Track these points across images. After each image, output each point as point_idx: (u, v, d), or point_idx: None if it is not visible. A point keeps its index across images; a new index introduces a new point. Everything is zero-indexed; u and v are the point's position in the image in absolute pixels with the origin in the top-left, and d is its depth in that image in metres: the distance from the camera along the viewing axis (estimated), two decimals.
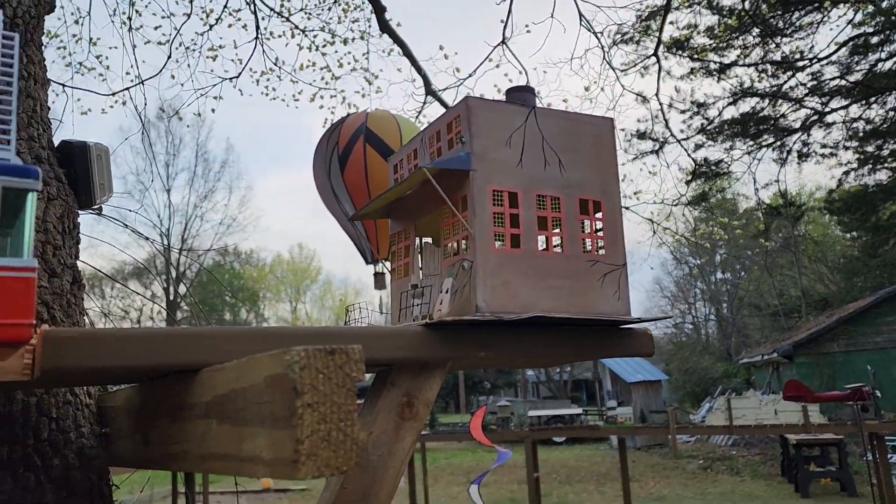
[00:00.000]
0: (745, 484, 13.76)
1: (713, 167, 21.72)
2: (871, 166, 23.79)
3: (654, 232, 7.83)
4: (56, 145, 1.57)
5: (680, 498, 12.87)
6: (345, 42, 7.99)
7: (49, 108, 1.63)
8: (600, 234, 1.32)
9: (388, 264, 5.61)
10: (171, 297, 45.89)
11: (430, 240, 1.41)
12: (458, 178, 1.23)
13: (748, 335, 31.18)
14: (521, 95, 1.31)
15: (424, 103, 6.44)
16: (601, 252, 1.31)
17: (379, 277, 5.22)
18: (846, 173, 24.23)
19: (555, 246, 1.27)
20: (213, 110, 14.41)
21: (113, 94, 6.94)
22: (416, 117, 5.89)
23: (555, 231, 1.27)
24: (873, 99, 22.41)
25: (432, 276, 1.31)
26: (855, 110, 23.15)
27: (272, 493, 15.10)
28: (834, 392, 9.05)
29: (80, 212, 1.56)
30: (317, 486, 14.39)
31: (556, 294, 1.24)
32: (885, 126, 22.75)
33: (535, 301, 1.21)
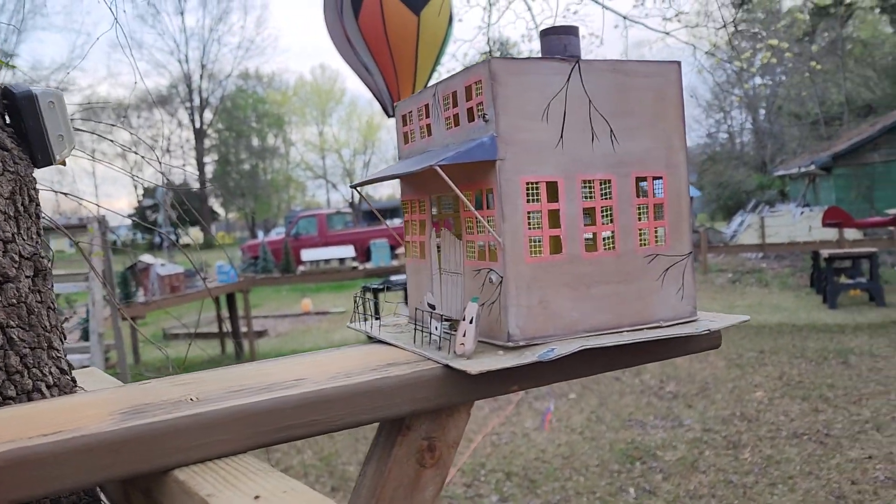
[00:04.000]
0: (773, 296, 13.90)
1: None
2: None
3: (696, 58, 7.23)
4: None
5: (707, 310, 13.03)
6: None
7: None
8: (661, 221, 1.06)
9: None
10: (198, 126, 45.72)
11: (449, 212, 1.16)
12: (483, 165, 0.97)
13: (785, 144, 30.29)
14: (562, 40, 1.00)
15: None
16: (661, 243, 1.06)
17: None
18: None
19: (605, 242, 1.02)
20: None
21: None
22: None
23: (605, 224, 1.01)
24: None
25: (453, 274, 1.08)
26: None
27: (312, 315, 15.67)
28: (875, 218, 8.80)
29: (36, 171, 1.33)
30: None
31: (606, 304, 1.01)
32: None
33: (579, 318, 0.99)
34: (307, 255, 13.41)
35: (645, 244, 1.05)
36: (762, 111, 34.01)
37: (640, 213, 1.04)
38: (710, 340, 1.09)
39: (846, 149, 18.72)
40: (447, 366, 0.91)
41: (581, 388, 7.35)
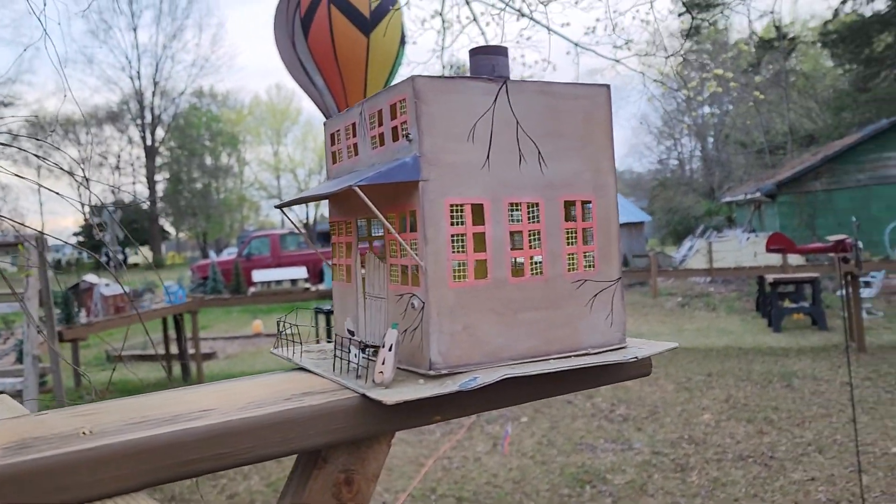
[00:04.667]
0: (720, 320, 14.16)
1: None
2: None
3: (646, 86, 7.37)
4: None
5: (657, 334, 13.29)
6: None
7: None
8: (590, 245, 1.04)
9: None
10: (150, 143, 44.94)
11: (377, 242, 1.12)
12: (406, 186, 0.93)
13: (732, 172, 31.16)
14: (490, 60, 0.98)
15: None
16: (590, 268, 1.04)
17: None
18: (844, 2, 23.20)
19: (532, 267, 0.99)
20: None
21: None
22: None
23: (533, 249, 0.99)
24: None
25: (377, 299, 1.04)
26: None
27: (263, 337, 15.41)
28: (816, 244, 9.06)
29: None
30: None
31: (533, 331, 0.98)
32: None
33: (505, 344, 0.96)
34: (258, 275, 13.19)
35: (573, 269, 1.03)
36: (710, 139, 34.99)
37: (568, 238, 1.02)
38: (639, 368, 1.07)
39: (789, 177, 19.32)
40: (365, 395, 0.87)
41: (533, 411, 7.33)
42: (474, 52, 0.99)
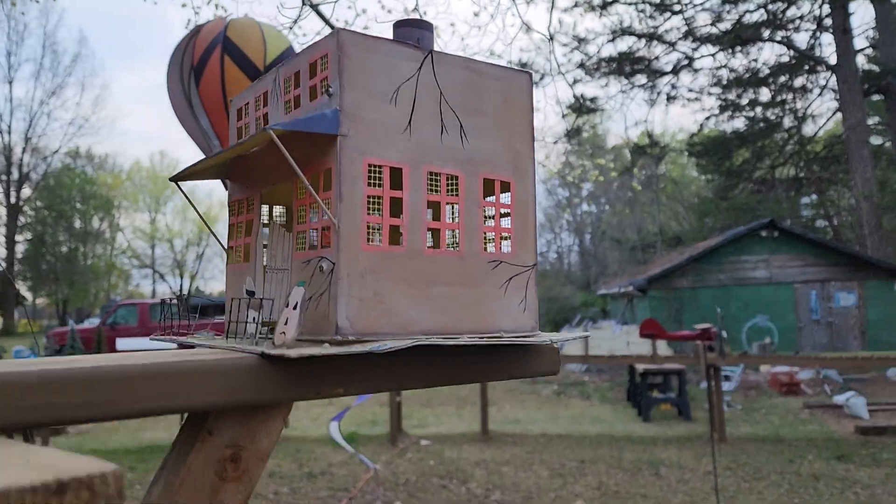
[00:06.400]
0: (593, 408, 14.48)
1: (589, 102, 22.13)
2: (730, 113, 25.19)
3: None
4: None
5: (534, 421, 13.42)
6: None
7: None
8: (508, 226, 1.02)
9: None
10: (14, 201, 42.09)
11: (281, 211, 1.06)
12: (322, 144, 0.89)
13: (607, 266, 32.77)
14: (415, 33, 0.96)
15: (299, 16, 5.74)
16: (506, 250, 1.01)
17: None
18: (708, 118, 25.59)
19: (448, 241, 0.96)
20: None
21: None
22: (291, 29, 5.28)
23: (450, 222, 0.96)
24: (739, 48, 23.52)
25: (279, 271, 0.97)
26: (721, 58, 24.28)
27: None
28: (684, 332, 9.55)
29: None
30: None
31: (446, 307, 0.93)
32: (746, 75, 23.98)
33: (416, 317, 0.90)
34: (123, 344, 12.36)
35: (489, 249, 1.00)
36: (588, 235, 36.88)
37: (486, 216, 1.00)
38: (549, 363, 1.03)
39: (659, 274, 20.53)
40: (263, 354, 0.78)
41: (407, 495, 7.10)
42: (399, 24, 0.98)
